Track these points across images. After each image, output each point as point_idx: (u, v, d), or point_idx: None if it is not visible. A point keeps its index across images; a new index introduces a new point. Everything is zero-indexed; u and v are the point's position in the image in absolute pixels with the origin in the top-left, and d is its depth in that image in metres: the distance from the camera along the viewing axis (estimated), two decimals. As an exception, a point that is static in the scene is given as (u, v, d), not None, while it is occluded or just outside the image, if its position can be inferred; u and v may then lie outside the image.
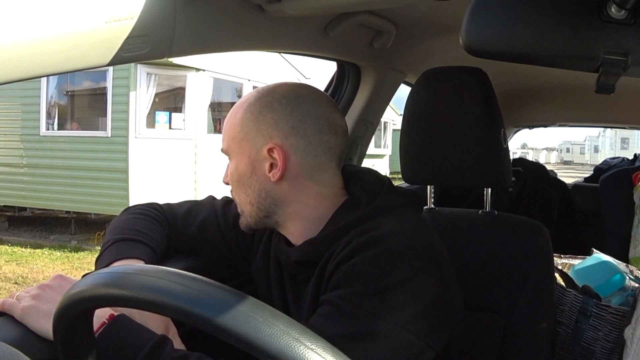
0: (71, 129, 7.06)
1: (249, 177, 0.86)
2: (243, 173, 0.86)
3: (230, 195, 1.05)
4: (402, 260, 0.76)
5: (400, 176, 1.22)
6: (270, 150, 0.83)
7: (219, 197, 1.09)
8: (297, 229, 0.87)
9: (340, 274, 0.76)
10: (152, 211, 1.02)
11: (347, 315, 0.72)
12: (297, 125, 0.83)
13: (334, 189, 0.87)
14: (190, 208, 1.05)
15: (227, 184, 0.91)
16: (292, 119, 0.83)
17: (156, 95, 6.85)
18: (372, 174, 0.92)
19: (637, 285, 1.51)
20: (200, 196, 1.09)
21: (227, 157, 0.91)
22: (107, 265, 0.86)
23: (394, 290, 0.73)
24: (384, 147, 13.60)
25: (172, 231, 1.02)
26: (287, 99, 0.84)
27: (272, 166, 0.84)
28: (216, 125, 7.76)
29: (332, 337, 0.61)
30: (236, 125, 0.86)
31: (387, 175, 1.04)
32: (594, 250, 1.69)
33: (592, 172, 3.32)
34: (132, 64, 6.24)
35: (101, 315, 0.72)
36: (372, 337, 0.71)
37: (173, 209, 1.05)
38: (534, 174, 2.49)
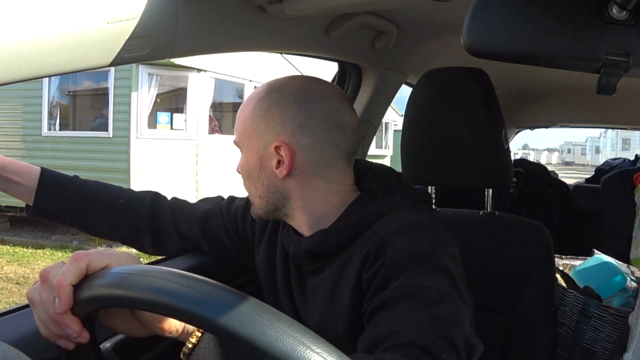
0: (74, 129, 7.07)
1: (257, 172, 0.87)
2: (252, 167, 0.87)
3: (236, 195, 1.07)
4: (445, 242, 0.78)
5: (401, 177, 1.22)
6: (277, 148, 0.83)
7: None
8: (305, 222, 0.88)
9: (384, 267, 0.73)
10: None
11: (417, 297, 0.69)
12: (304, 124, 0.83)
13: (343, 185, 0.87)
14: (199, 200, 1.10)
15: (240, 173, 0.93)
16: (299, 117, 0.83)
17: (158, 95, 6.86)
18: (388, 170, 0.92)
19: (638, 286, 1.50)
20: (202, 197, 1.12)
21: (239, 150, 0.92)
22: None
23: (447, 268, 0.73)
24: (385, 147, 13.58)
25: (181, 215, 1.05)
26: (296, 96, 0.84)
27: (279, 163, 0.84)
28: (215, 127, 7.67)
29: (419, 321, 0.64)
30: (246, 120, 0.87)
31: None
32: (595, 251, 1.69)
33: (593, 173, 3.33)
34: (134, 65, 6.24)
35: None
36: (449, 312, 0.68)
37: (183, 200, 1.10)
38: (535, 174, 2.49)
